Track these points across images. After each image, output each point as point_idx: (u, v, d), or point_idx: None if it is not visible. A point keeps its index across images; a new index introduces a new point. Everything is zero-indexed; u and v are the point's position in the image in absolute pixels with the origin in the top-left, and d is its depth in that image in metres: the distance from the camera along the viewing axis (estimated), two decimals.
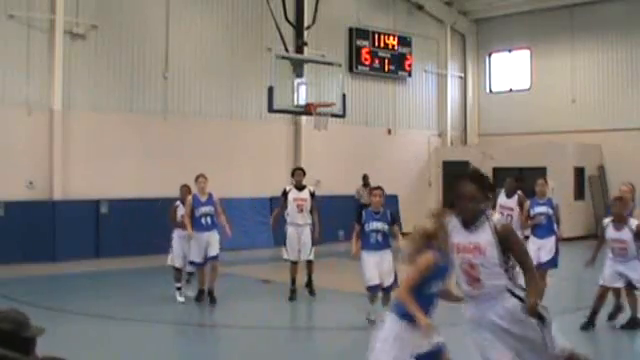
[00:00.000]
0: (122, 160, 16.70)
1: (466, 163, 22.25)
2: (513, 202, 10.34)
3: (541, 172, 19.34)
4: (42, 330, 2.63)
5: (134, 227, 16.14)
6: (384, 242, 8.71)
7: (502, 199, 10.45)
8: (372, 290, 8.67)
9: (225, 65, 18.79)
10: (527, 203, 10.08)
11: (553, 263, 9.76)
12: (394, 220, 8.81)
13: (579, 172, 21.03)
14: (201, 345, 8.55)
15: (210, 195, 10.82)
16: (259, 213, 17.68)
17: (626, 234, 8.33)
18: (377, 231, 8.65)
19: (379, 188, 8.96)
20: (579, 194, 20.90)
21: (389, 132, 22.66)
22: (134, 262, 14.89)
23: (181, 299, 10.62)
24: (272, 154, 19.33)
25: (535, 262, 8.91)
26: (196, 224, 10.51)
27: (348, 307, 10.03)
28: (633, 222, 8.36)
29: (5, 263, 13.97)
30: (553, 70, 23.03)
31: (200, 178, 10.88)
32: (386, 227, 8.68)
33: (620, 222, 8.37)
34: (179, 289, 10.71)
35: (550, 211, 9.79)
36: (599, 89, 22.09)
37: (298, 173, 11.36)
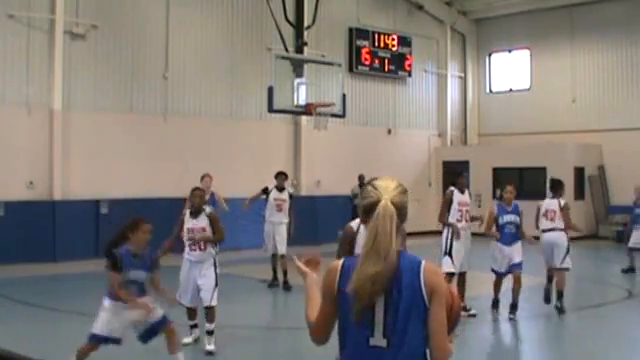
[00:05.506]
0: (122, 160, 16.70)
1: (466, 163, 22.29)
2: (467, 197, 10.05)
3: (541, 172, 19.42)
4: None
5: None
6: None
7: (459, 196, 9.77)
8: None
9: (225, 65, 18.79)
10: (493, 209, 9.58)
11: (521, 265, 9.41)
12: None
13: (579, 172, 21.02)
14: (201, 345, 8.54)
15: (212, 194, 11.26)
16: (258, 213, 17.66)
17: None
18: None
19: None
20: (579, 194, 20.88)
21: (389, 132, 22.67)
22: None
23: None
24: (272, 154, 19.31)
25: (506, 267, 9.42)
26: None
27: None
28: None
29: (5, 263, 13.98)
30: (553, 70, 23.02)
31: (205, 177, 11.55)
32: None
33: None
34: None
35: (518, 219, 9.46)
36: (599, 89, 22.09)
37: (281, 177, 12.22)
